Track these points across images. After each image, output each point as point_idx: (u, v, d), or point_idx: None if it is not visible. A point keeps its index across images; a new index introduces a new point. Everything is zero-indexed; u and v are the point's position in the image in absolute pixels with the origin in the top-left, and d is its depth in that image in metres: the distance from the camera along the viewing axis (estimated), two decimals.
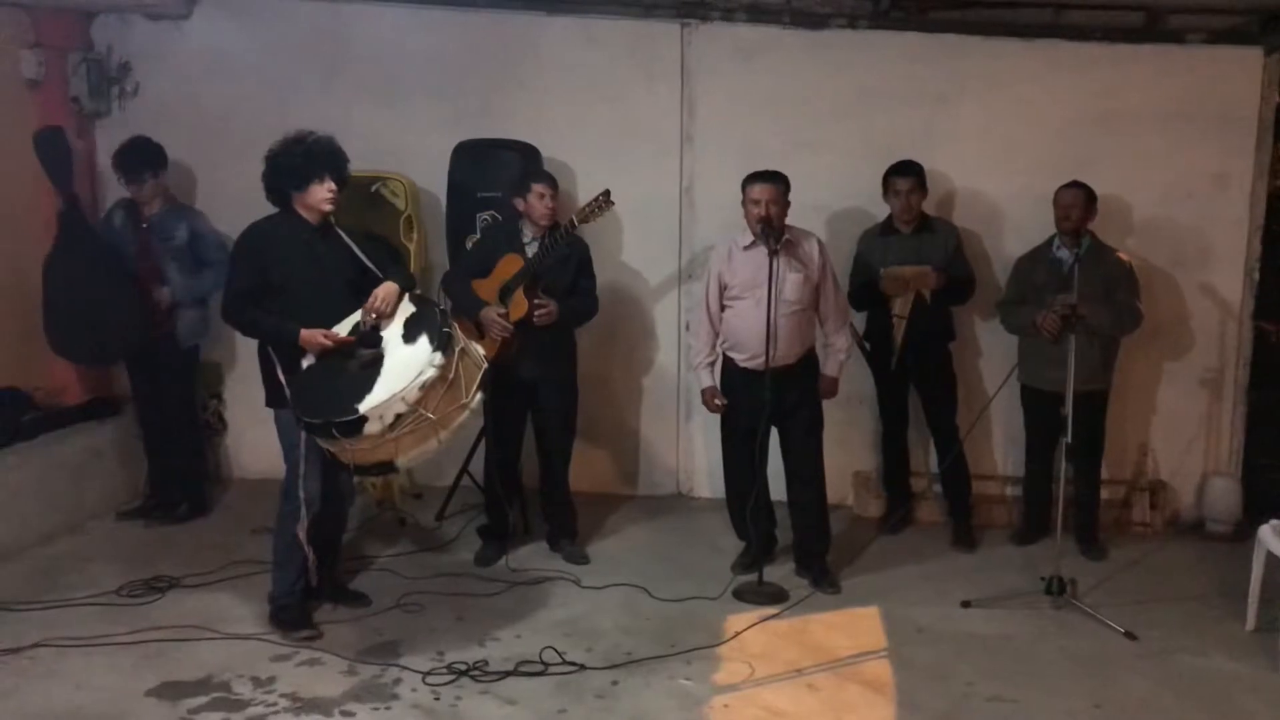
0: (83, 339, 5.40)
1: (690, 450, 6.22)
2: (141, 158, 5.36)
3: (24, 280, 5.67)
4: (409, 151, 5.82)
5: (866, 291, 5.49)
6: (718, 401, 4.94)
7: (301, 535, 4.23)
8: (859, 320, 5.61)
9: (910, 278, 5.32)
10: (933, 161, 5.58)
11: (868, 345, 5.59)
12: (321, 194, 4.19)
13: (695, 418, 6.11)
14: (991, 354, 5.78)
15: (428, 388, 3.80)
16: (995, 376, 5.53)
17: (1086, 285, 4.88)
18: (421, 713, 3.79)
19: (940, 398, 5.57)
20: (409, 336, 4.04)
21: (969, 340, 5.84)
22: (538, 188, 4.92)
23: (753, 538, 5.02)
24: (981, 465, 5.97)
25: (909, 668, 4.19)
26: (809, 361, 4.94)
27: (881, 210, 5.62)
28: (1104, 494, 5.60)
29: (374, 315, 4.12)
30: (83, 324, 5.35)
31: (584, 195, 5.67)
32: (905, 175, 5.37)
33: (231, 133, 5.69)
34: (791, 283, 4.75)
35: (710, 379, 4.95)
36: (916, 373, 5.51)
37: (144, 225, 5.43)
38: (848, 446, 5.88)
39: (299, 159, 4.16)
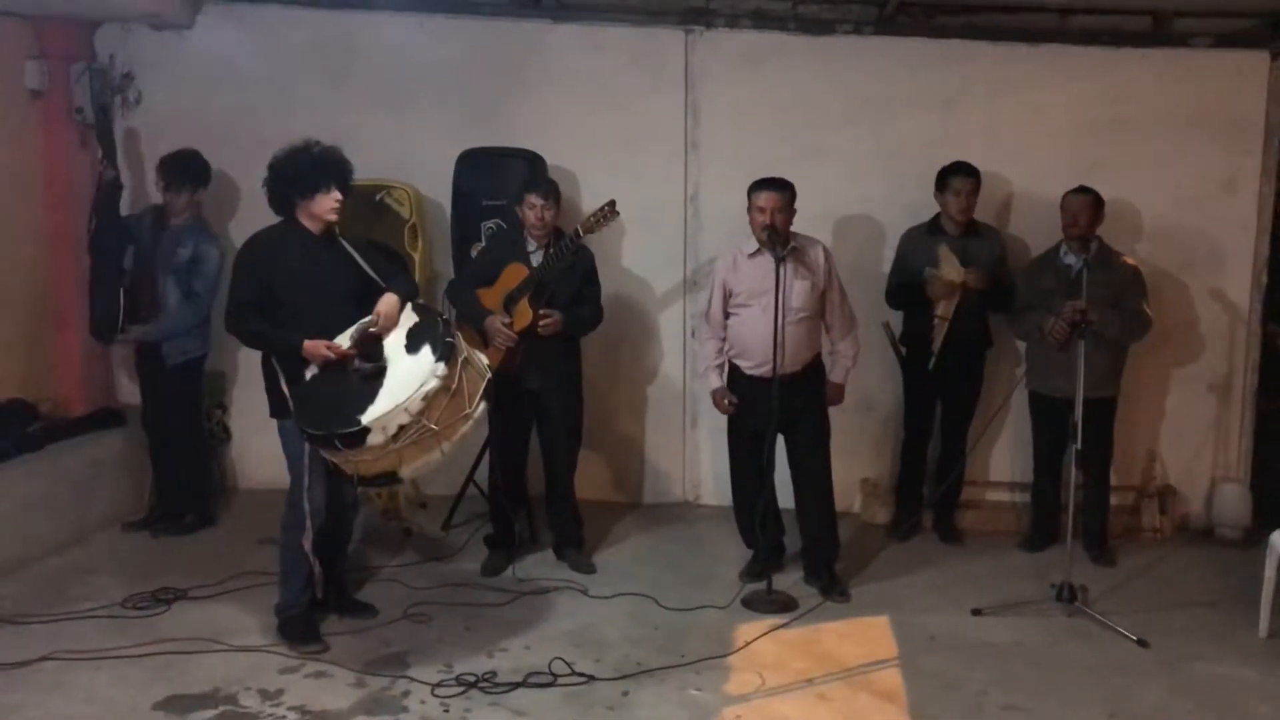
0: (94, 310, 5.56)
1: (696, 458, 6.20)
2: (188, 170, 5.39)
3: (29, 292, 5.66)
4: (414, 160, 5.80)
5: (906, 291, 5.46)
6: (728, 401, 4.91)
7: (307, 546, 4.21)
8: (896, 322, 5.58)
9: (948, 272, 5.25)
10: (939, 168, 5.55)
11: (904, 349, 5.56)
12: (328, 203, 4.16)
13: (701, 425, 6.09)
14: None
15: (430, 398, 3.78)
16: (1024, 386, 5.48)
17: (1095, 291, 4.86)
18: None
19: (960, 406, 5.56)
20: (411, 346, 4.02)
21: (1006, 346, 5.74)
22: (529, 198, 4.90)
23: (761, 546, 4.99)
24: (990, 472, 5.95)
25: (921, 677, 4.16)
26: (815, 369, 4.92)
27: (889, 216, 5.64)
28: (1113, 500, 5.56)
29: (375, 329, 4.09)
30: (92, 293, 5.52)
31: (588, 202, 5.67)
32: (968, 175, 5.33)
33: (235, 142, 5.66)
34: (798, 290, 4.73)
35: (719, 380, 4.93)
36: (949, 378, 5.47)
37: (163, 233, 5.43)
38: (855, 453, 5.85)
39: (306, 168, 4.13)
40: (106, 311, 5.44)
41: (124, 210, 5.70)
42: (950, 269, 5.26)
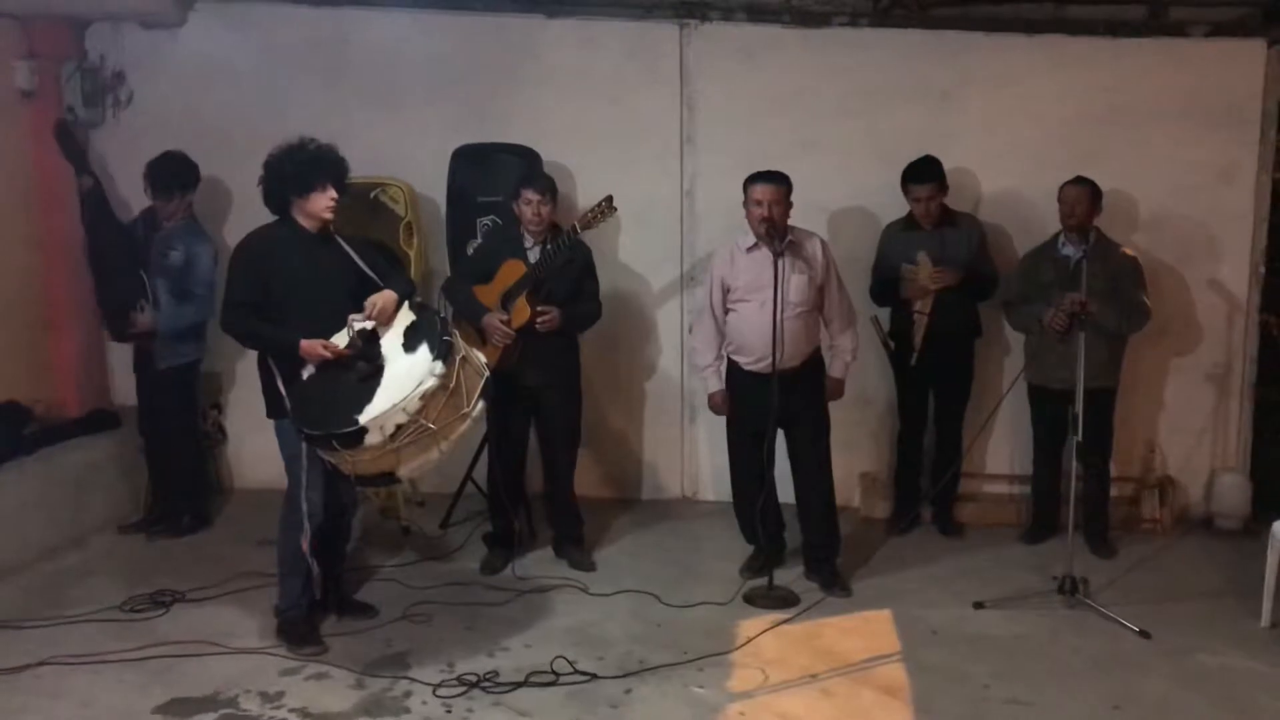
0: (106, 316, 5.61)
1: (694, 453, 6.18)
2: (173, 174, 5.34)
3: (24, 294, 5.63)
4: (408, 157, 5.77)
5: (888, 288, 5.45)
6: (726, 409, 4.91)
7: (305, 547, 4.18)
8: (884, 316, 5.57)
9: (925, 280, 5.28)
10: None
11: (892, 344, 5.55)
12: (323, 202, 4.13)
13: (699, 421, 6.07)
14: (1019, 352, 5.63)
15: (428, 397, 3.76)
16: (1015, 374, 5.44)
17: (1093, 281, 4.83)
18: None
19: (952, 398, 5.55)
20: (409, 345, 3.99)
21: (995, 337, 5.75)
22: (526, 193, 4.88)
23: (761, 541, 4.98)
24: (988, 464, 5.94)
25: (924, 671, 4.15)
26: (815, 363, 4.90)
27: (885, 209, 5.61)
28: (1112, 491, 5.55)
29: (368, 321, 4.05)
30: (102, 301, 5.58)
31: (584, 198, 5.65)
32: (923, 183, 5.30)
33: (228, 141, 5.62)
34: (796, 284, 4.70)
35: (718, 383, 4.91)
36: (937, 370, 5.47)
37: (155, 234, 5.40)
38: (854, 447, 5.83)
39: (302, 165, 4.10)
40: (120, 308, 5.42)
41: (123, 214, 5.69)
42: (925, 273, 5.27)
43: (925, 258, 5.29)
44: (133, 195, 5.67)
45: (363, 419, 3.72)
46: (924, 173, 5.32)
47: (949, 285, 5.26)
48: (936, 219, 5.37)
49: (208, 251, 5.37)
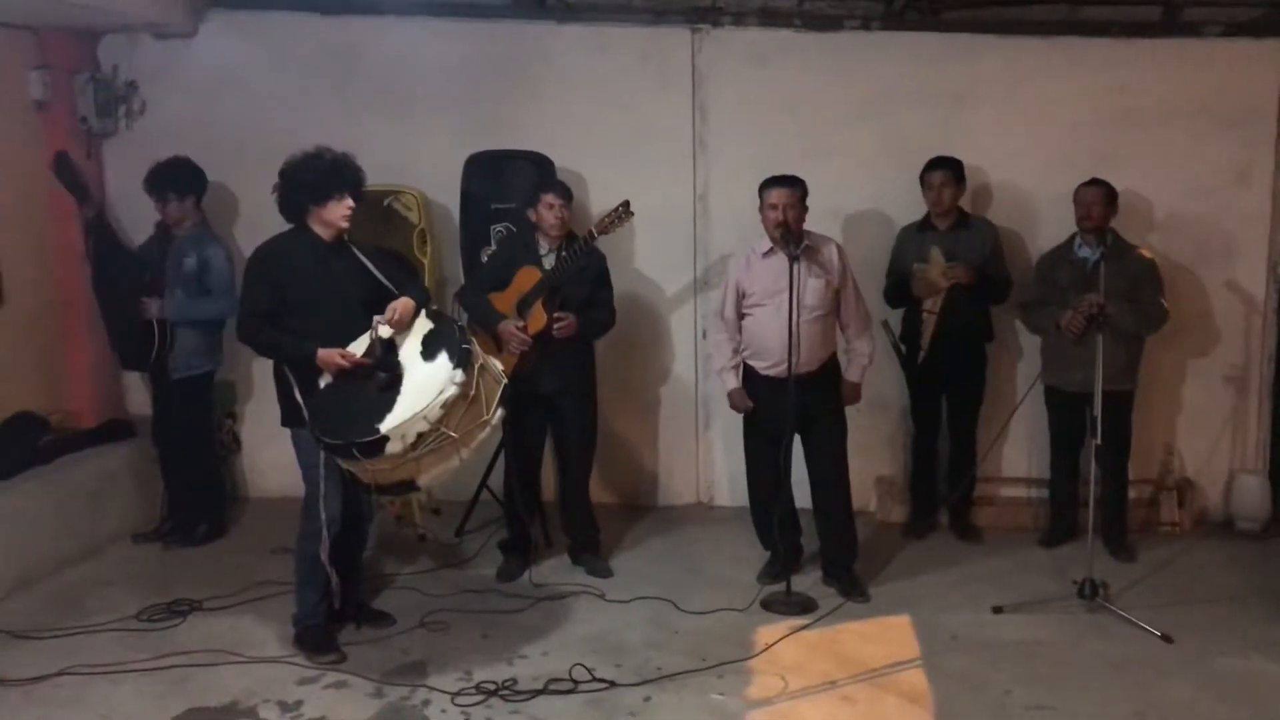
0: (117, 343, 5.59)
1: (710, 459, 6.16)
2: (166, 178, 5.33)
3: (38, 304, 5.64)
4: (421, 164, 5.77)
5: (901, 288, 5.44)
6: (747, 403, 4.88)
7: (323, 556, 4.18)
8: (895, 319, 5.55)
9: (936, 277, 5.26)
10: None
11: (903, 348, 5.53)
12: (340, 210, 4.13)
13: (714, 426, 6.06)
14: (1031, 356, 5.64)
15: (449, 405, 3.75)
16: (1030, 379, 5.40)
17: (1110, 284, 4.81)
18: None
19: (964, 401, 5.53)
20: (428, 354, 3.98)
21: (1008, 340, 5.73)
22: (547, 198, 4.88)
23: (779, 547, 4.96)
24: (1005, 468, 5.91)
25: (945, 677, 4.12)
26: (831, 368, 4.89)
27: (900, 212, 5.60)
28: (1131, 494, 5.51)
29: (388, 327, 4.04)
30: (114, 329, 5.53)
31: (597, 204, 5.64)
32: (937, 169, 5.31)
33: (241, 150, 5.64)
34: (812, 289, 4.70)
35: (735, 381, 4.89)
36: (947, 372, 5.45)
37: (170, 244, 5.40)
38: (870, 451, 5.81)
39: (319, 174, 4.10)
40: (127, 342, 5.45)
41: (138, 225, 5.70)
42: (936, 270, 5.26)
43: (937, 252, 5.28)
44: (147, 206, 5.67)
45: (384, 428, 3.71)
46: (939, 160, 5.33)
47: (960, 281, 5.24)
48: (950, 215, 5.35)
49: (221, 254, 5.37)
